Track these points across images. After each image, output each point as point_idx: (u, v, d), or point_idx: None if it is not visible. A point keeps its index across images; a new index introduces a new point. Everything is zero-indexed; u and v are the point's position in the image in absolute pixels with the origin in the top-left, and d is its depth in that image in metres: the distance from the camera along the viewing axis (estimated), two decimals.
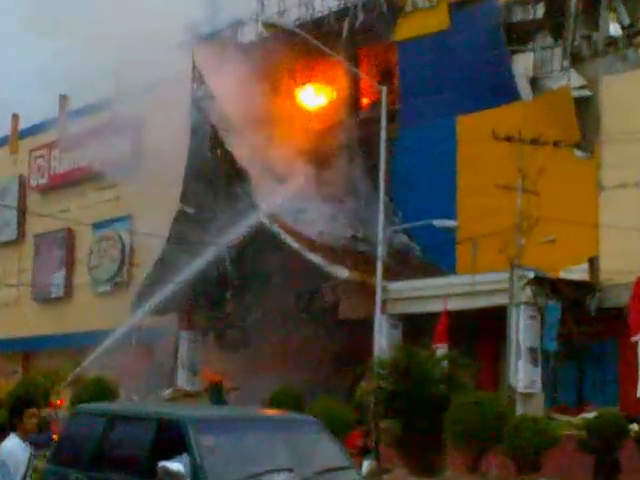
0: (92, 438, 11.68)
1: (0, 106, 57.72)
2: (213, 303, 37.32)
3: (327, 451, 10.97)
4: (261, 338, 35.03)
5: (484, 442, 22.50)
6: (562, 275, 29.54)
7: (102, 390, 35.56)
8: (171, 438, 10.55)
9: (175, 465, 9.88)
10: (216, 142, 36.51)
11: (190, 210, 36.94)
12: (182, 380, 37.29)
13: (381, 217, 30.16)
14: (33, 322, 51.82)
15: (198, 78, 37.92)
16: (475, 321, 29.70)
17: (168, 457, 10.17)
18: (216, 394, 32.31)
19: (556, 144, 28.25)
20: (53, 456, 12.47)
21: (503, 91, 31.91)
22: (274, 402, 27.93)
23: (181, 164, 37.15)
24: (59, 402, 36.68)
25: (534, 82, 32.05)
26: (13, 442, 9.50)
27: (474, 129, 31.55)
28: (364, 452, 23.35)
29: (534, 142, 27.45)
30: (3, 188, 56.54)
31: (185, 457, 10.13)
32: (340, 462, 10.85)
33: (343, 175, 35.42)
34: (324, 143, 36.06)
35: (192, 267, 35.85)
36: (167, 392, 34.81)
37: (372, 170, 32.83)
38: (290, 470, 10.27)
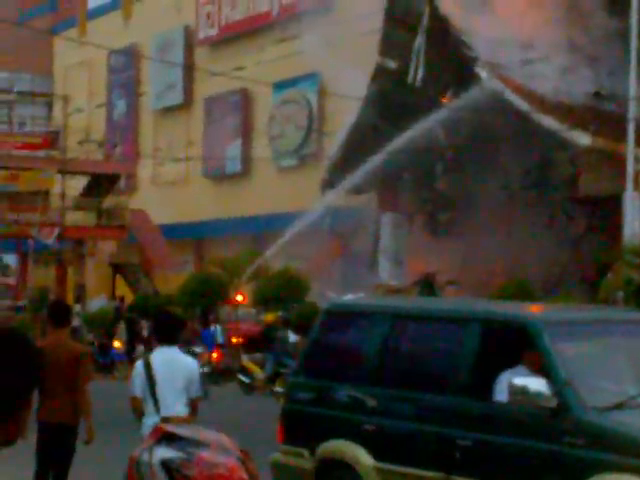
0: (369, 344, 11.10)
1: None
2: (421, 179, 37.64)
3: None
4: (480, 221, 35.19)
5: None
6: None
7: (290, 285, 36.75)
8: (509, 347, 10.04)
9: (537, 382, 9.40)
10: None
11: (392, 64, 37.08)
12: (385, 273, 37.95)
13: (633, 68, 29.66)
14: (205, 203, 53.38)
15: None
16: None
17: (496, 372, 9.85)
18: (428, 289, 32.87)
19: None
20: (303, 367, 12.07)
21: None
22: (501, 299, 28.25)
23: (379, 8, 37.21)
24: (239, 298, 38.02)
25: None
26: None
27: None
28: None
29: None
30: (166, 42, 57.87)
31: (527, 372, 9.65)
32: None
33: (584, 17, 34.83)
34: None
35: (397, 136, 36.12)
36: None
37: (622, 8, 32.18)
38: None
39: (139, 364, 10.76)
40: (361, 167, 37.01)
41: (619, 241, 29.14)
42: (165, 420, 9.76)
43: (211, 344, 34.41)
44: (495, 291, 29.22)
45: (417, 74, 35.56)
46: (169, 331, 10.86)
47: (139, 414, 10.53)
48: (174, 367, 10.54)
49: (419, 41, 35.62)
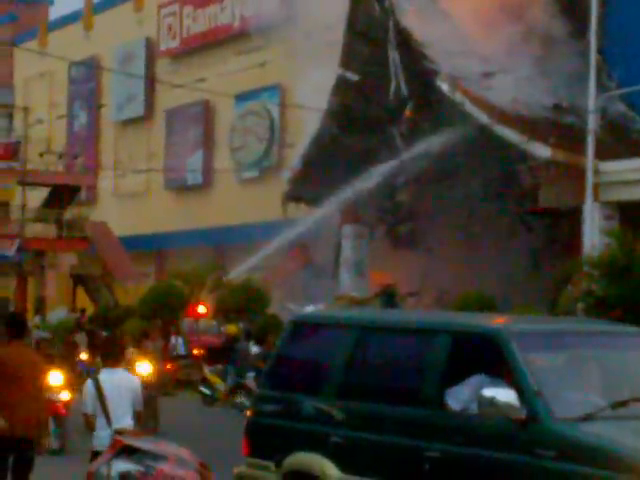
0: (335, 356, 11.00)
1: None
2: (382, 191, 37.57)
3: None
4: (441, 233, 35.22)
5: None
6: None
7: (251, 296, 36.63)
8: (475, 358, 9.96)
9: (506, 393, 9.30)
10: None
11: (353, 77, 37.04)
12: (346, 284, 37.86)
13: (593, 81, 29.73)
14: (166, 215, 53.23)
15: None
16: None
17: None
18: (389, 300, 32.79)
19: None
20: (268, 379, 12.00)
21: None
22: (462, 310, 28.19)
23: (341, 20, 37.18)
24: (201, 310, 37.84)
25: None
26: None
27: None
28: None
29: None
30: (128, 54, 57.70)
31: (497, 382, 9.57)
32: None
33: (544, 30, 34.94)
34: None
35: (357, 149, 36.16)
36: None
37: (581, 23, 32.31)
38: None
39: (89, 384, 11.72)
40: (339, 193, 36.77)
41: (578, 253, 29.17)
42: (117, 432, 10.87)
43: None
44: (455, 302, 29.17)
45: (399, 88, 35.49)
46: (113, 354, 12.06)
47: (92, 429, 11.49)
48: (120, 385, 11.67)
49: (393, 55, 35.55)
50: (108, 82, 59.78)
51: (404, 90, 35.23)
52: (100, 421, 11.39)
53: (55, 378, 19.35)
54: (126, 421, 11.39)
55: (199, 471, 3.76)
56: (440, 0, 35.56)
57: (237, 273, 39.57)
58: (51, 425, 17.52)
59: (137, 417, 11.60)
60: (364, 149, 36.83)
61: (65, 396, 19.57)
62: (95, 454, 11.12)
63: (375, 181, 35.62)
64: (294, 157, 42.33)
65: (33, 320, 43.24)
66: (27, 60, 62.85)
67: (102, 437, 11.14)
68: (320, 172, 38.36)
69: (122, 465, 3.69)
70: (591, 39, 30.17)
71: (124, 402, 11.55)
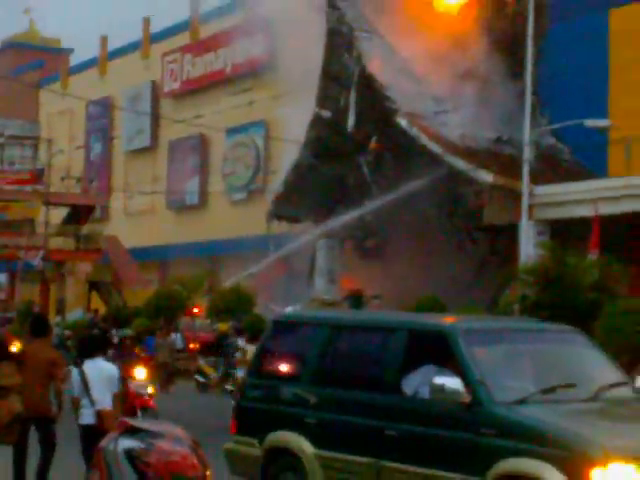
0: (312, 350, 10.90)
1: (130, 10, 58.72)
2: (351, 211, 37.55)
3: (599, 364, 10.25)
4: (400, 246, 35.18)
5: (637, 351, 22.31)
6: None
7: (239, 299, 36.48)
8: (428, 351, 9.92)
9: (453, 381, 9.25)
10: (351, 43, 36.36)
11: (326, 114, 37.01)
12: (320, 289, 37.78)
13: (527, 117, 29.76)
14: (168, 230, 53.04)
15: None
16: (627, 227, 29.27)
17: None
18: (356, 303, 32.71)
19: None
20: (255, 368, 11.87)
21: None
22: (417, 311, 28.15)
23: (317, 66, 37.17)
24: (196, 311, 37.68)
25: None
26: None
27: (628, 23, 30.74)
28: None
29: None
30: (136, 94, 57.62)
31: (445, 372, 9.51)
32: (615, 377, 10.14)
33: (486, 74, 34.98)
34: (466, 43, 35.57)
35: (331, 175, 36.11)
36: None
37: (518, 68, 32.36)
38: (573, 386, 9.66)
39: (75, 372, 12.06)
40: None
41: (516, 263, 29.18)
42: (98, 412, 11.74)
43: (152, 351, 33.75)
44: (412, 304, 29.13)
45: (351, 122, 35.54)
46: (90, 349, 12.22)
47: (77, 408, 11.91)
48: (101, 373, 12.03)
49: (351, 95, 35.59)
50: (119, 118, 59.64)
51: (367, 126, 35.23)
52: (84, 402, 11.87)
53: (139, 373, 18.18)
54: (106, 402, 11.88)
55: (192, 447, 3.73)
56: (399, 50, 35.58)
57: (231, 282, 39.46)
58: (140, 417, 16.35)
59: (114, 399, 12.02)
60: (336, 175, 36.85)
61: (150, 390, 18.02)
62: (82, 428, 11.95)
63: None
64: (276, 182, 42.27)
65: (55, 319, 43.00)
66: (51, 99, 62.64)
67: (86, 415, 11.83)
68: (299, 195, 38.37)
69: (127, 442, 3.65)
70: (527, 83, 30.24)
71: (104, 387, 11.94)
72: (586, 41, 33.20)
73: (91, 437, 11.87)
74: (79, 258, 52.09)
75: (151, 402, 17.58)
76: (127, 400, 16.36)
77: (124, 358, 18.93)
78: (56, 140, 58.68)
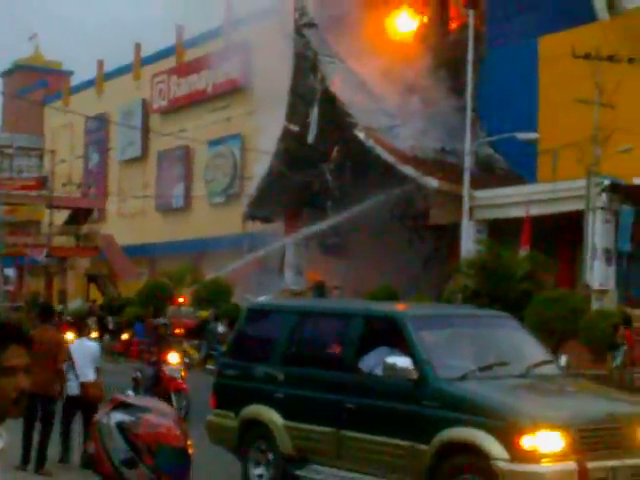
0: (281, 334, 10.78)
1: (123, 36, 58.30)
2: (316, 212, 37.52)
3: (529, 345, 10.28)
4: (358, 243, 35.19)
5: (562, 334, 22.46)
6: (635, 182, 28.97)
7: (219, 289, 36.35)
8: (382, 334, 9.89)
9: (403, 360, 9.23)
10: (315, 66, 36.34)
11: (294, 128, 36.96)
12: (289, 280, 37.77)
13: (468, 131, 29.86)
14: (157, 230, 52.81)
15: (300, 7, 37.60)
16: (554, 226, 29.43)
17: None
18: (319, 293, 32.68)
19: (631, 61, 27.57)
20: (230, 350, 11.83)
21: (581, 12, 31.11)
22: (372, 299, 28.15)
23: (286, 86, 37.10)
24: (182, 300, 37.49)
25: (610, 3, 31.15)
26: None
27: (555, 48, 30.89)
28: None
29: (610, 59, 26.85)
30: (128, 111, 57.34)
31: (396, 352, 9.48)
32: (543, 356, 10.19)
33: (433, 94, 35.05)
34: (415, 66, 35.65)
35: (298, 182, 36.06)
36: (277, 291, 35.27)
37: (460, 88, 32.45)
38: (507, 364, 9.69)
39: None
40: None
41: (457, 257, 29.26)
42: (82, 383, 12.11)
43: (141, 335, 33.61)
44: (368, 294, 29.15)
45: (312, 135, 35.53)
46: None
47: (63, 380, 12.01)
48: (85, 350, 12.42)
49: (314, 111, 35.58)
50: (114, 132, 59.22)
51: (330, 138, 35.20)
52: (70, 375, 12.23)
53: (173, 358, 16.49)
54: (90, 376, 12.28)
55: (176, 420, 3.71)
56: (358, 71, 35.59)
57: (213, 275, 39.33)
58: (175, 400, 15.35)
59: (97, 370, 12.41)
60: (303, 181, 36.80)
61: (182, 373, 16.40)
62: (68, 398, 12.25)
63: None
64: (251, 187, 42.22)
65: (57, 308, 42.68)
66: (54, 115, 62.17)
67: (72, 387, 12.27)
68: (270, 198, 38.30)
69: (118, 415, 3.62)
70: (467, 101, 30.34)
71: (87, 362, 12.30)
72: (519, 64, 33.34)
73: (74, 407, 12.38)
74: (79, 254, 51.83)
75: (183, 385, 16.38)
76: (161, 383, 15.87)
77: (159, 344, 18.22)
78: (59, 151, 58.35)
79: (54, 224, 51.61)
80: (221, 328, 29.77)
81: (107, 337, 36.12)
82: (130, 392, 13.43)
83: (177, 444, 3.19)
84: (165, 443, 3.17)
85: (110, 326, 37.73)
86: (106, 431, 3.24)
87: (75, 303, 45.99)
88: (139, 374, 16.42)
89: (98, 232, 52.35)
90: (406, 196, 32.88)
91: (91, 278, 51.57)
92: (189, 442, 3.21)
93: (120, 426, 3.19)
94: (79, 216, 51.84)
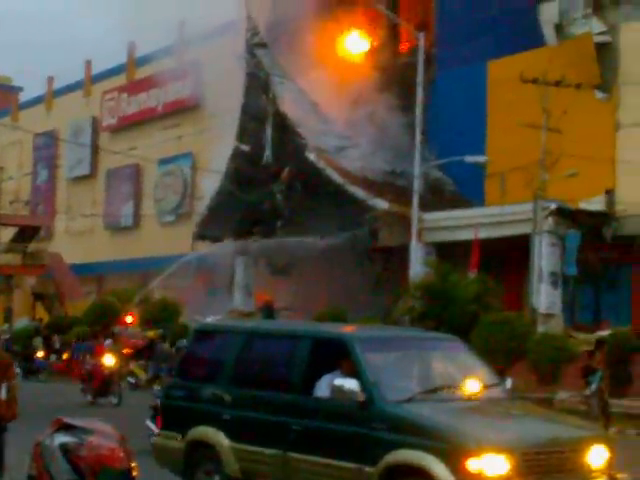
0: (229, 355, 10.71)
1: (74, 52, 57.88)
2: (265, 232, 37.52)
3: (476, 368, 10.24)
4: (307, 264, 35.16)
5: (509, 357, 22.63)
6: (582, 206, 29.38)
7: (167, 309, 36.13)
8: (330, 356, 9.78)
9: (350, 383, 9.17)
10: (267, 86, 36.40)
11: (245, 148, 36.95)
12: (237, 301, 37.64)
13: (417, 154, 30.05)
14: (105, 249, 52.43)
15: (252, 27, 37.67)
16: (502, 249, 29.68)
17: (320, 376, 9.63)
18: (268, 313, 32.58)
19: (578, 86, 28.00)
20: (179, 371, 11.65)
21: (530, 37, 31.53)
22: (321, 321, 28.13)
23: (237, 106, 37.11)
24: (129, 319, 37.18)
25: (559, 28, 31.60)
26: None
27: (503, 72, 31.26)
28: None
29: (558, 84, 27.25)
30: (78, 128, 56.98)
31: (340, 375, 9.44)
32: (489, 379, 10.16)
33: (382, 116, 35.26)
34: (366, 87, 35.84)
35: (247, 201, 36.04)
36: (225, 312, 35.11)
37: (410, 111, 32.66)
38: (453, 386, 9.69)
39: None
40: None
41: (406, 279, 29.37)
42: None
43: (77, 355, 33.33)
44: (317, 315, 29.14)
45: (267, 154, 35.60)
46: None
47: None
48: None
49: (267, 131, 35.62)
50: (63, 149, 58.81)
51: (281, 158, 35.27)
52: None
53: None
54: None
55: (120, 442, 3.69)
56: (309, 92, 35.73)
57: (155, 284, 39.27)
58: None
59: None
60: (253, 201, 36.75)
61: None
62: None
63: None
64: (201, 207, 42.07)
65: (3, 326, 42.19)
66: (2, 132, 61.47)
67: None
68: (220, 218, 38.18)
69: (62, 437, 3.60)
70: (417, 124, 30.54)
71: None
72: (467, 88, 33.66)
73: None
74: (26, 272, 51.24)
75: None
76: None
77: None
78: (6, 168, 57.81)
79: (0, 241, 51.01)
80: (167, 348, 29.59)
81: (53, 356, 35.72)
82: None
83: (120, 466, 3.18)
84: (108, 465, 3.15)
85: (57, 345, 37.34)
86: (49, 453, 3.21)
87: (21, 322, 45.46)
88: None
89: (45, 250, 51.85)
90: (356, 219, 32.94)
91: (38, 297, 51.04)
92: (133, 464, 3.19)
93: (63, 448, 3.16)
94: (26, 234, 51.34)
